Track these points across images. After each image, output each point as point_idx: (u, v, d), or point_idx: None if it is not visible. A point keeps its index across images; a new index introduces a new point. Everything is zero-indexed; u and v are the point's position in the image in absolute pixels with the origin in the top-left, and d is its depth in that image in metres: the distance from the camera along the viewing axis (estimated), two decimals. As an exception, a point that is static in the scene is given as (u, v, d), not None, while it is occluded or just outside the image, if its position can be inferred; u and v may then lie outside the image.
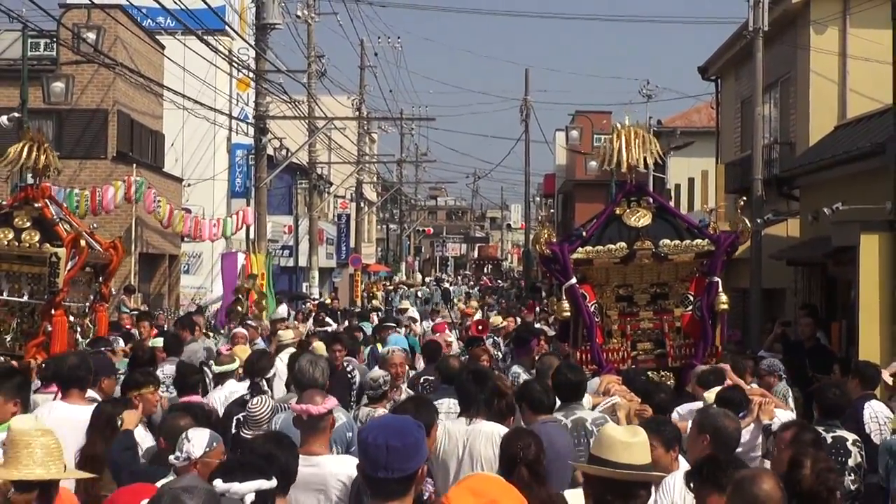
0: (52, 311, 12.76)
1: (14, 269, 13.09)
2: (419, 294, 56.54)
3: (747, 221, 12.15)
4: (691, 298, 11.87)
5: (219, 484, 5.29)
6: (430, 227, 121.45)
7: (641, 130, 12.28)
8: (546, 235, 11.85)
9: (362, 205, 62.57)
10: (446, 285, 67.91)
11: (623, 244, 11.67)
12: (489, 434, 8.36)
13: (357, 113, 55.47)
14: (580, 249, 11.65)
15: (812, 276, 22.10)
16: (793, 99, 24.60)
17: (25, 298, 13.05)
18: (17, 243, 13.01)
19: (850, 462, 9.27)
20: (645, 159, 12.05)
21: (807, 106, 23.53)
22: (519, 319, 24.15)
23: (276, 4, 33.89)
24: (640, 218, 11.89)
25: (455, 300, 50.45)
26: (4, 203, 14.00)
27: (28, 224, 13.17)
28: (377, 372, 11.37)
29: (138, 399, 9.33)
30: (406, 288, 59.28)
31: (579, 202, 58.51)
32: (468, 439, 8.37)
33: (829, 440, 9.23)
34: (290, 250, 48.35)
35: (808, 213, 21.22)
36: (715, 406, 9.04)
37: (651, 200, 12.22)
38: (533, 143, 63.91)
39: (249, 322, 21.60)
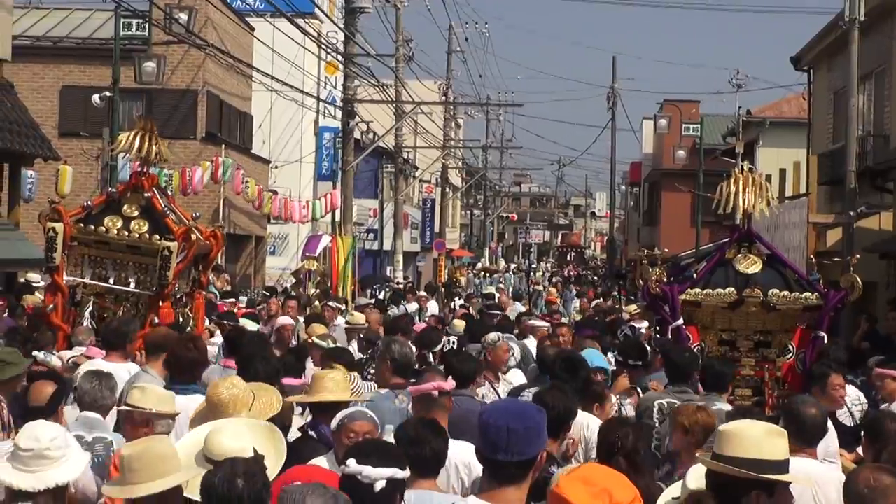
0: (160, 304, 12.72)
1: (121, 259, 12.95)
2: (502, 281, 56.49)
3: (859, 280, 11.88)
4: (793, 350, 11.74)
5: (352, 464, 5.32)
6: (514, 213, 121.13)
7: (758, 178, 12.14)
8: (658, 274, 11.81)
9: (447, 190, 62.56)
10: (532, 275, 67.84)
11: (732, 290, 11.60)
12: (578, 424, 8.27)
13: (444, 98, 55.44)
14: (689, 291, 11.63)
15: (905, 270, 21.81)
16: (888, 90, 24.23)
17: (132, 287, 12.95)
18: (126, 232, 12.81)
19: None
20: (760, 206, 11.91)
21: (903, 98, 23.19)
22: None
23: (366, -12, 33.97)
24: (751, 265, 11.78)
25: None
26: (114, 190, 13.92)
27: (136, 213, 12.96)
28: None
29: None
30: (489, 275, 59.25)
31: (665, 191, 58.15)
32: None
33: None
34: (374, 234, 48.55)
35: (901, 206, 20.92)
36: None
37: (762, 248, 12.12)
38: (619, 132, 63.64)
39: (330, 304, 21.70)
